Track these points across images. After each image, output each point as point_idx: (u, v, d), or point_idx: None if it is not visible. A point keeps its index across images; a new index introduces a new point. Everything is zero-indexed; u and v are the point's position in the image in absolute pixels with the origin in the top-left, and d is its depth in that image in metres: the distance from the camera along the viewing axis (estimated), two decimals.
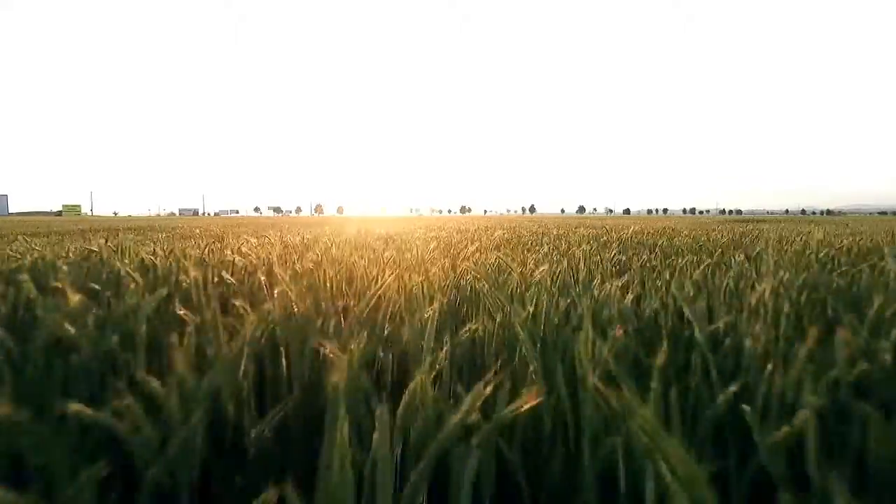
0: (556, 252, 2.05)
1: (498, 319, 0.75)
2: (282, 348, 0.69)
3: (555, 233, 4.22)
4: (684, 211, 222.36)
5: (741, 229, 4.97)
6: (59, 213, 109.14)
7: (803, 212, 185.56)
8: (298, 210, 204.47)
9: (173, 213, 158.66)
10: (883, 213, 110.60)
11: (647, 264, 1.60)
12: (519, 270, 1.12)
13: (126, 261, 1.31)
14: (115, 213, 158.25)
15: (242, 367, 0.59)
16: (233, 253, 1.64)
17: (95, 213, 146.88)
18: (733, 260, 1.57)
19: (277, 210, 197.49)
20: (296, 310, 0.71)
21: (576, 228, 5.28)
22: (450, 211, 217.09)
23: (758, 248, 2.06)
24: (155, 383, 0.50)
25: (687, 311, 0.70)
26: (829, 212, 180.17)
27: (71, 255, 1.66)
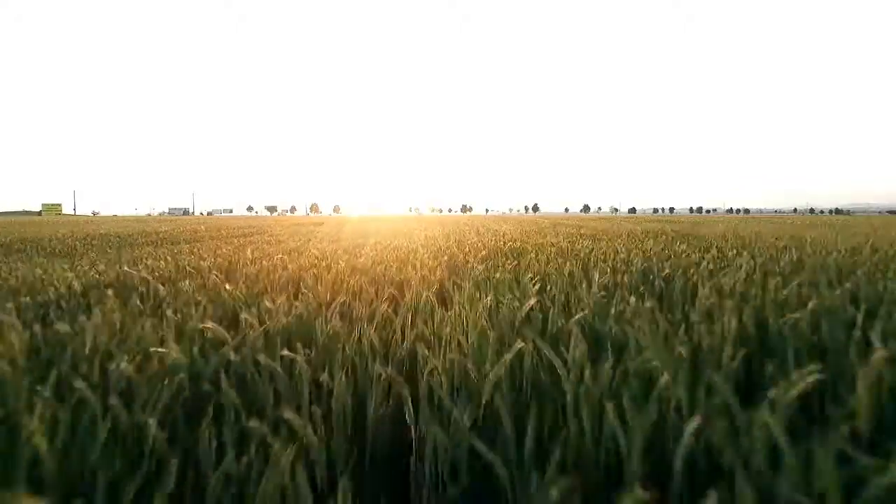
0: None
1: None
2: None
3: None
4: (691, 210, 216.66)
5: None
6: (38, 213, 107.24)
7: (811, 211, 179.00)
8: (293, 209, 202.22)
9: (163, 213, 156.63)
10: (892, 212, 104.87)
11: None
12: None
13: None
14: (95, 213, 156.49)
15: None
16: None
17: (78, 212, 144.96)
18: None
19: (272, 209, 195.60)
20: None
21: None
22: (450, 210, 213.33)
23: None
24: None
25: None
26: (837, 210, 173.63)
27: None
